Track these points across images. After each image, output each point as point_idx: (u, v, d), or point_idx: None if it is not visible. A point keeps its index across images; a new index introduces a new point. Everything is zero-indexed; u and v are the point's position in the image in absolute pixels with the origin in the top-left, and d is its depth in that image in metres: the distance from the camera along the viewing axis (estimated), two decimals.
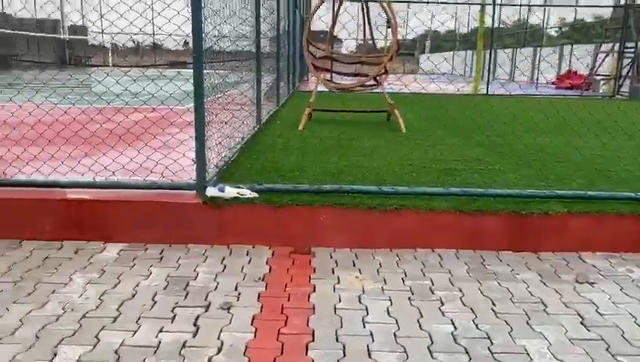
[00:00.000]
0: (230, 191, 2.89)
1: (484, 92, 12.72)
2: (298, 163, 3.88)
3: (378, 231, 2.91)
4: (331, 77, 7.90)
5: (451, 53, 35.40)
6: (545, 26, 23.48)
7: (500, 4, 22.10)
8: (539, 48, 22.18)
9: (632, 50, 12.99)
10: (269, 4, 7.10)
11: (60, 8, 27.10)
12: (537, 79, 20.34)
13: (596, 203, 2.96)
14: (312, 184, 3.15)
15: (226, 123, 3.81)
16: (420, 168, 3.81)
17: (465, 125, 6.40)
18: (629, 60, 13.08)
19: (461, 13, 30.43)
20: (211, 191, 2.89)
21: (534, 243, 2.89)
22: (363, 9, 6.35)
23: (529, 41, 24.58)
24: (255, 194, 2.93)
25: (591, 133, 5.39)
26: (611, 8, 16.87)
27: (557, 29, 24.12)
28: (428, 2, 10.92)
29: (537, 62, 21.47)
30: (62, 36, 28.56)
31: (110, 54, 28.68)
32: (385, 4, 5.82)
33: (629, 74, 13.12)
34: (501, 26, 27.29)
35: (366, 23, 6.56)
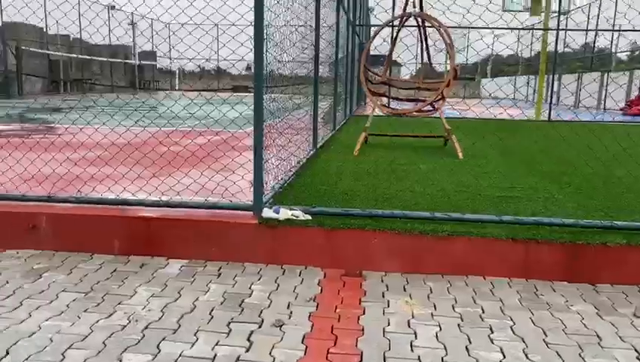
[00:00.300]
0: (285, 213, 3.00)
1: (547, 117, 12.39)
2: (351, 187, 3.97)
3: (429, 257, 2.93)
4: (388, 102, 8.01)
5: (513, 77, 34.65)
6: (614, 49, 22.64)
7: (565, 29, 21.57)
8: (607, 73, 21.39)
9: None
10: (328, 33, 7.32)
11: (132, 36, 28.75)
12: (605, 105, 19.59)
13: None
14: (365, 208, 3.22)
15: (283, 147, 3.97)
16: (475, 195, 3.80)
17: (524, 152, 6.30)
18: None
19: (524, 35, 29.89)
20: (267, 213, 3.01)
21: (591, 275, 2.82)
22: (420, 34, 6.42)
23: (597, 65, 23.77)
24: (308, 217, 3.03)
25: None
26: None
27: (627, 52, 23.18)
28: (488, 28, 10.82)
29: (605, 87, 20.69)
30: (133, 61, 30.20)
31: (177, 78, 30.04)
32: (442, 30, 5.87)
33: None
34: (566, 49, 26.56)
35: (424, 47, 6.62)
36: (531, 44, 28.17)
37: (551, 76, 13.58)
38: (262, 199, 3.08)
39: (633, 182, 4.42)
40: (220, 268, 2.96)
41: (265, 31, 3.02)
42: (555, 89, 24.28)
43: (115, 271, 2.88)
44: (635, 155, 5.23)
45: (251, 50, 2.96)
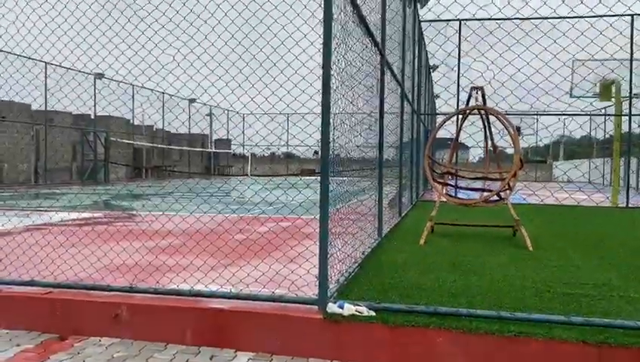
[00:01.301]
0: (349, 309, 3.07)
1: (624, 204, 11.86)
2: (416, 281, 3.98)
3: (497, 358, 2.87)
4: (455, 191, 8.03)
5: (587, 160, 33.57)
6: None
7: (634, 115, 20.97)
8: None
9: None
10: (393, 122, 7.61)
11: (210, 125, 30.72)
12: None
13: None
14: (429, 304, 3.23)
15: (348, 238, 4.09)
16: (544, 291, 3.71)
17: (598, 243, 6.07)
18: None
19: (597, 118, 29.23)
20: (332, 308, 3.10)
21: None
22: (484, 125, 6.54)
23: None
24: (372, 313, 3.08)
25: None
26: None
27: None
28: (556, 115, 10.80)
29: None
30: (209, 149, 32.07)
31: (250, 164, 31.46)
32: (501, 118, 5.96)
33: None
34: None
35: (488, 135, 6.70)
36: (604, 126, 27.43)
37: (628, 159, 13.14)
38: (327, 293, 3.18)
39: None
40: None
41: (332, 123, 3.25)
42: (634, 173, 23.28)
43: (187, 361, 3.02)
44: None
45: (318, 141, 3.18)
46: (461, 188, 6.73)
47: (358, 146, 4.79)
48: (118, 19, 4.41)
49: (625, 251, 5.43)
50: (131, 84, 24.32)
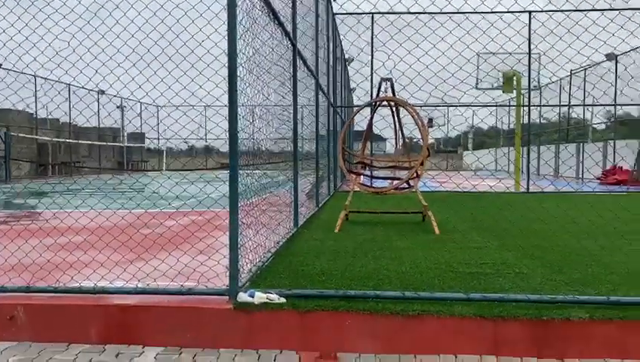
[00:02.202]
0: (260, 297, 3.08)
1: (525, 189, 12.72)
2: (329, 267, 4.05)
3: (402, 337, 2.99)
4: (371, 181, 8.24)
5: (494, 149, 35.66)
6: (587, 121, 23.61)
7: (540, 105, 22.54)
8: (583, 143, 22.17)
9: None
10: (309, 113, 7.68)
11: (121, 118, 29.43)
12: (582, 175, 20.15)
13: (620, 309, 2.97)
14: (339, 289, 3.30)
15: (260, 228, 4.09)
16: (447, 272, 3.91)
17: (500, 226, 6.46)
18: None
19: (501, 110, 31.08)
20: (242, 297, 3.09)
21: (559, 350, 2.89)
22: (394, 116, 6.74)
23: (575, 136, 24.65)
24: (283, 300, 3.10)
25: (632, 232, 5.36)
26: None
27: (604, 123, 24.13)
28: (464, 106, 11.35)
29: (582, 157, 21.37)
30: (121, 144, 30.72)
31: (165, 158, 30.49)
32: (410, 109, 6.19)
33: None
34: (543, 121, 27.58)
35: (397, 128, 6.92)
36: (508, 116, 29.22)
37: (531, 148, 14.09)
38: (237, 283, 3.16)
39: (601, 254, 4.56)
40: (195, 355, 2.98)
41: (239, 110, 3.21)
42: (535, 160, 25.02)
43: (90, 361, 2.90)
44: (609, 226, 5.40)
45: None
46: (375, 177, 6.92)
47: (271, 138, 4.80)
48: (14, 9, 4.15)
49: (522, 233, 5.82)
50: (34, 75, 22.75)
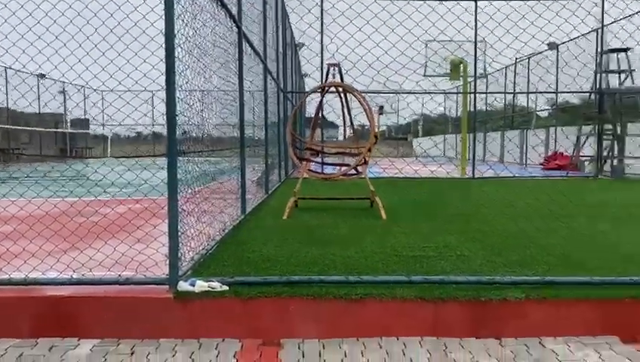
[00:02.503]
0: (201, 285, 3.01)
1: (470, 175, 13.06)
2: (275, 253, 4.02)
3: (345, 321, 3.00)
4: (322, 167, 8.23)
5: (443, 136, 36.42)
6: (531, 108, 24.41)
7: (486, 92, 23.12)
8: (526, 130, 22.94)
9: (610, 131, 13.51)
10: (257, 99, 7.57)
11: (63, 103, 28.21)
12: (526, 161, 20.87)
13: (554, 288, 3.08)
14: (283, 275, 3.27)
15: (204, 216, 4.00)
16: (392, 256, 3.94)
17: (444, 210, 6.60)
18: (609, 141, 13.58)
19: (449, 97, 31.70)
20: (182, 286, 3.01)
21: (496, 330, 2.97)
22: (342, 102, 6.74)
23: (519, 123, 25.43)
24: (225, 287, 3.05)
25: (569, 215, 5.58)
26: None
27: (546, 110, 25.00)
28: (411, 93, 11.51)
29: (525, 144, 22.12)
30: (64, 130, 29.50)
31: (109, 145, 29.50)
32: (358, 95, 6.20)
33: (610, 154, 13.56)
34: (489, 108, 28.33)
35: (346, 112, 6.92)
36: (456, 104, 29.83)
37: (478, 135, 14.45)
38: (178, 272, 3.08)
39: (538, 236, 4.73)
40: (134, 346, 2.89)
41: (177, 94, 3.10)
42: (481, 146, 25.70)
43: (21, 356, 2.76)
44: (542, 209, 5.59)
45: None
46: (325, 163, 6.91)
47: (215, 124, 4.69)
48: None
49: (466, 216, 5.97)
50: None
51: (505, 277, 3.16)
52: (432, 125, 45.86)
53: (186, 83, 3.33)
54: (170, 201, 3.06)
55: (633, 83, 13.89)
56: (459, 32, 11.79)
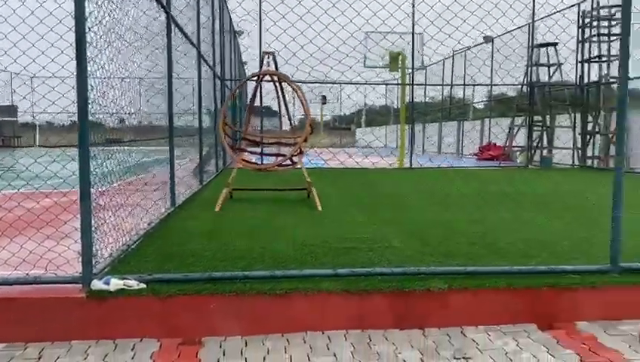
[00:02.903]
0: (116, 284, 2.85)
1: (409, 165, 13.28)
2: (202, 248, 3.88)
3: (269, 317, 2.93)
4: (261, 158, 8.07)
5: (385, 127, 36.94)
6: (469, 100, 25.11)
7: (425, 85, 23.57)
8: (463, 121, 23.60)
9: (540, 123, 14.08)
10: (189, 87, 7.33)
11: None
12: (462, 151, 21.48)
13: (476, 278, 3.13)
14: (205, 271, 3.16)
15: (125, 209, 3.81)
16: (322, 248, 3.90)
17: (380, 201, 6.65)
18: (539, 132, 14.15)
19: (391, 89, 32.12)
20: (96, 285, 2.84)
21: (419, 320, 2.98)
22: (277, 91, 6.63)
23: (456, 114, 26.12)
24: (143, 285, 2.90)
25: (499, 204, 5.73)
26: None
27: (481, 102, 25.78)
28: (350, 83, 11.53)
29: (461, 135, 22.76)
30: None
31: (37, 133, 28.05)
32: (293, 85, 6.11)
33: (539, 145, 14.14)
34: (428, 100, 28.95)
35: (282, 102, 6.81)
36: (397, 95, 30.28)
37: (418, 126, 14.70)
38: (91, 270, 2.90)
39: (467, 225, 4.82)
40: (43, 349, 2.71)
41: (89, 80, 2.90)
42: (421, 137, 26.24)
43: None
44: (474, 198, 5.72)
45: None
46: (262, 154, 6.78)
47: (140, 112, 4.47)
48: None
49: (400, 207, 6.03)
50: None
51: (430, 268, 3.18)
52: (375, 116, 46.46)
53: (101, 69, 3.12)
54: (82, 197, 2.88)
55: (562, 76, 14.52)
56: (400, 22, 11.90)
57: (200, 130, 7.96)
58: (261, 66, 6.45)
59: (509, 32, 15.09)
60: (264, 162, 7.52)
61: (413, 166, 13.18)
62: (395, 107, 35.45)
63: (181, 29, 6.19)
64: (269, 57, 6.33)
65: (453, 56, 22.38)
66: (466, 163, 15.61)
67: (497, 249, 3.90)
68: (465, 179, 9.15)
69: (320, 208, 5.84)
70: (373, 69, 15.32)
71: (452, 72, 23.70)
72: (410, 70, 14.50)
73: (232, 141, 6.41)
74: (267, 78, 6.63)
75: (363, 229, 4.67)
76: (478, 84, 18.89)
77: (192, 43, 7.09)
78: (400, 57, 14.16)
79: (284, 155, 6.63)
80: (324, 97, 33.22)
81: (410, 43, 13.82)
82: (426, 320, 2.98)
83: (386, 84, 19.04)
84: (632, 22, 3.18)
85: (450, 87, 23.95)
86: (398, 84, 18.12)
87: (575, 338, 2.84)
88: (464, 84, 21.58)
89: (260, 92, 7.04)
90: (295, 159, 6.43)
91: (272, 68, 6.46)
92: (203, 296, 2.89)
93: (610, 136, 13.32)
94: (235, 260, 3.51)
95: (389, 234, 4.46)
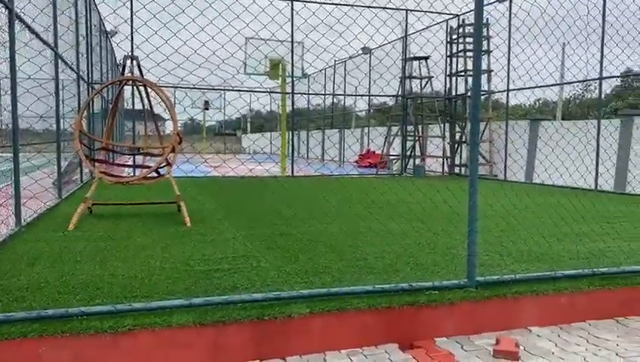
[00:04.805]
0: None
1: (290, 174, 13.23)
2: (42, 277, 3.40)
3: (110, 358, 2.59)
4: (134, 170, 7.49)
5: (270, 133, 36.87)
6: (350, 107, 25.82)
7: (307, 93, 23.83)
8: (344, 129, 24.20)
9: (412, 133, 14.77)
10: (42, 89, 6.60)
11: None
12: (343, 158, 21.98)
13: (339, 299, 3.03)
14: (36, 308, 2.73)
15: None
16: (182, 271, 3.60)
17: (255, 213, 6.44)
18: (412, 142, 14.83)
19: (273, 98, 32.10)
20: None
21: (281, 349, 2.82)
22: (142, 97, 6.17)
23: (339, 122, 26.70)
24: None
25: (372, 214, 5.78)
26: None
27: (362, 111, 26.63)
28: (232, 90, 11.21)
29: (343, 143, 23.31)
30: None
31: None
32: (157, 90, 5.71)
33: (413, 153, 14.82)
34: (311, 108, 29.34)
35: (146, 110, 6.37)
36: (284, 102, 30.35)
37: (292, 133, 14.70)
38: None
39: (338, 239, 4.77)
40: None
41: None
42: (304, 145, 26.50)
43: None
44: (352, 208, 5.68)
45: None
46: (119, 164, 6.27)
47: None
48: None
49: (274, 219, 5.86)
50: None
51: (292, 292, 3.02)
52: (262, 121, 46.26)
53: None
54: None
55: (432, 89, 15.36)
56: (281, 27, 11.78)
57: (58, 137, 7.21)
58: (124, 71, 5.95)
59: (385, 44, 15.70)
60: (136, 173, 6.99)
61: (295, 173, 13.16)
62: (281, 113, 35.61)
63: (29, 27, 5.53)
64: (131, 61, 5.86)
65: (334, 65, 22.88)
66: (347, 170, 15.94)
67: (365, 264, 3.85)
68: (342, 189, 9.25)
69: (189, 224, 5.50)
70: (256, 76, 15.12)
71: (333, 80, 24.22)
72: (291, 78, 14.50)
73: (88, 151, 5.83)
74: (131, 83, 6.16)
75: (231, 247, 4.42)
76: (357, 95, 19.43)
77: (45, 42, 6.38)
78: (280, 65, 14.10)
79: (149, 167, 6.18)
80: (206, 103, 32.37)
81: (290, 50, 13.82)
82: (288, 348, 2.82)
83: (270, 92, 18.98)
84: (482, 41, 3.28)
85: (332, 95, 24.45)
86: (277, 92, 18.13)
87: (434, 357, 2.83)
88: (345, 94, 22.13)
89: (133, 97, 6.54)
90: (162, 171, 6.01)
91: (136, 72, 5.99)
92: (30, 339, 2.48)
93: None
94: (76, 292, 3.10)
95: (258, 252, 4.26)
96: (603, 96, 10.85)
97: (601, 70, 10.07)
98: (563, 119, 21.57)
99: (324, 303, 2.97)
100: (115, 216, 5.99)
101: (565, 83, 13.60)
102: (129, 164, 6.86)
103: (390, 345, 2.98)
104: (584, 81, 11.59)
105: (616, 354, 2.89)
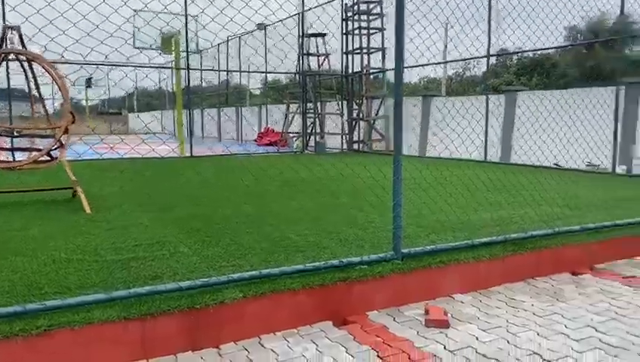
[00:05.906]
0: None
1: (189, 153, 12.75)
2: None
3: None
4: (13, 156, 6.69)
5: (161, 111, 35.27)
6: (245, 85, 25.35)
7: (200, 69, 23.02)
8: (241, 107, 23.74)
9: (312, 110, 14.84)
10: None
11: None
12: (242, 137, 21.64)
13: (271, 281, 2.94)
14: None
15: None
16: (93, 263, 3.30)
17: (163, 196, 6.09)
18: (312, 119, 14.92)
19: (163, 73, 30.64)
20: None
21: (214, 338, 2.68)
22: (24, 67, 5.53)
23: (234, 100, 26.11)
24: None
25: (284, 193, 5.70)
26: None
27: (257, 89, 26.20)
28: (117, 65, 10.44)
29: (240, 121, 22.92)
30: None
31: None
32: (46, 65, 5.16)
33: (313, 131, 14.92)
34: (205, 85, 28.42)
35: (32, 85, 5.72)
36: (172, 80, 29.07)
37: (189, 111, 14.13)
38: None
39: (255, 218, 4.66)
40: None
41: None
42: (200, 123, 25.69)
43: None
44: (260, 187, 5.57)
45: None
46: (12, 149, 5.61)
47: None
48: None
49: (185, 202, 5.59)
50: None
51: (222, 277, 2.87)
52: (149, 100, 43.98)
53: None
54: None
55: (330, 66, 15.50)
56: (175, 1, 11.15)
57: None
58: (3, 43, 5.27)
59: (280, 20, 15.51)
60: (19, 158, 6.28)
61: (194, 153, 12.69)
62: (170, 90, 34.08)
63: None
64: (12, 32, 5.21)
65: (227, 41, 22.25)
66: (248, 149, 15.69)
67: (290, 243, 3.77)
68: (248, 168, 9.07)
69: (89, 210, 5.07)
70: (146, 50, 14.24)
71: (227, 56, 23.60)
72: (185, 53, 13.87)
73: None
74: (12, 56, 5.48)
75: (144, 233, 4.14)
76: (253, 71, 19.09)
77: None
78: (174, 40, 13.41)
79: (39, 150, 5.59)
80: (89, 80, 30.06)
81: (185, 25, 13.18)
82: (221, 336, 2.69)
83: (160, 67, 18.06)
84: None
85: (226, 72, 23.84)
86: (171, 68, 17.29)
87: (369, 331, 2.86)
88: (240, 71, 21.67)
89: (7, 73, 5.83)
90: (55, 153, 5.47)
91: (17, 45, 5.34)
92: None
93: (372, 122, 14.70)
94: None
95: (174, 236, 4.02)
96: (481, 73, 11.60)
97: (489, 48, 10.74)
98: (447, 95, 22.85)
99: (257, 286, 2.87)
100: (2, 207, 5.36)
101: (455, 60, 14.34)
102: (7, 147, 6.15)
103: (325, 323, 2.96)
104: (472, 58, 12.31)
105: (534, 314, 3.10)
